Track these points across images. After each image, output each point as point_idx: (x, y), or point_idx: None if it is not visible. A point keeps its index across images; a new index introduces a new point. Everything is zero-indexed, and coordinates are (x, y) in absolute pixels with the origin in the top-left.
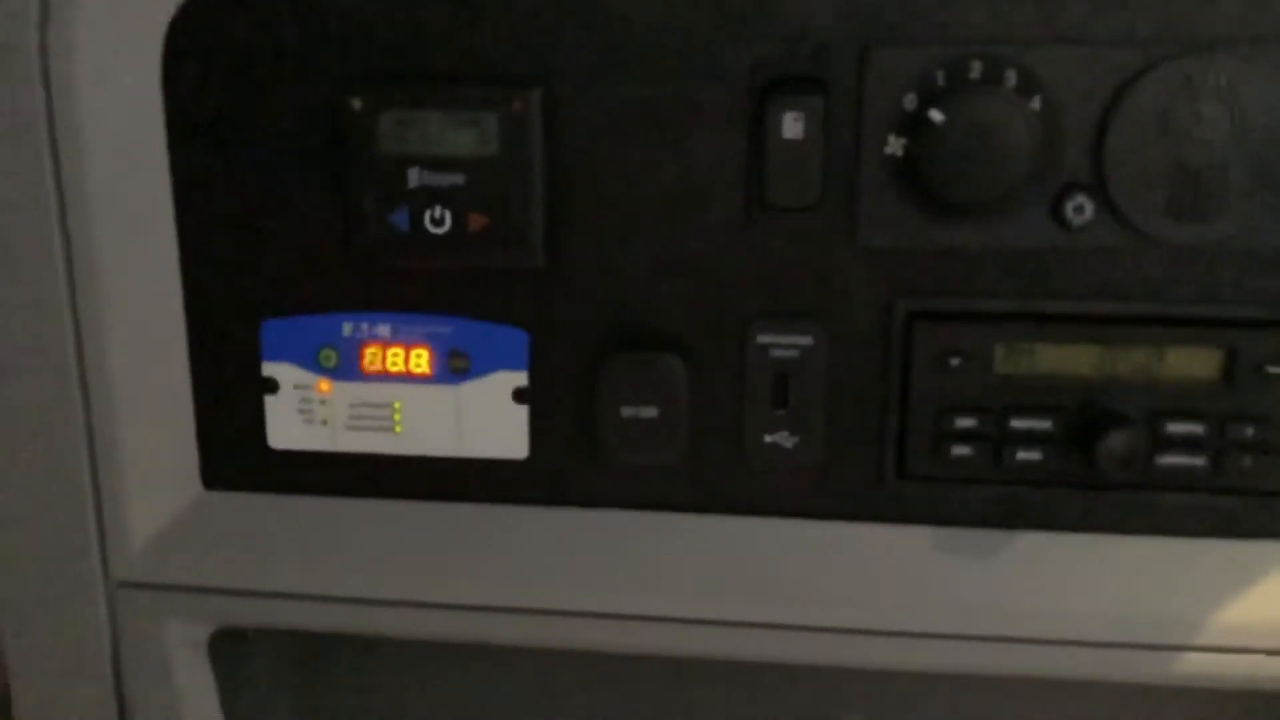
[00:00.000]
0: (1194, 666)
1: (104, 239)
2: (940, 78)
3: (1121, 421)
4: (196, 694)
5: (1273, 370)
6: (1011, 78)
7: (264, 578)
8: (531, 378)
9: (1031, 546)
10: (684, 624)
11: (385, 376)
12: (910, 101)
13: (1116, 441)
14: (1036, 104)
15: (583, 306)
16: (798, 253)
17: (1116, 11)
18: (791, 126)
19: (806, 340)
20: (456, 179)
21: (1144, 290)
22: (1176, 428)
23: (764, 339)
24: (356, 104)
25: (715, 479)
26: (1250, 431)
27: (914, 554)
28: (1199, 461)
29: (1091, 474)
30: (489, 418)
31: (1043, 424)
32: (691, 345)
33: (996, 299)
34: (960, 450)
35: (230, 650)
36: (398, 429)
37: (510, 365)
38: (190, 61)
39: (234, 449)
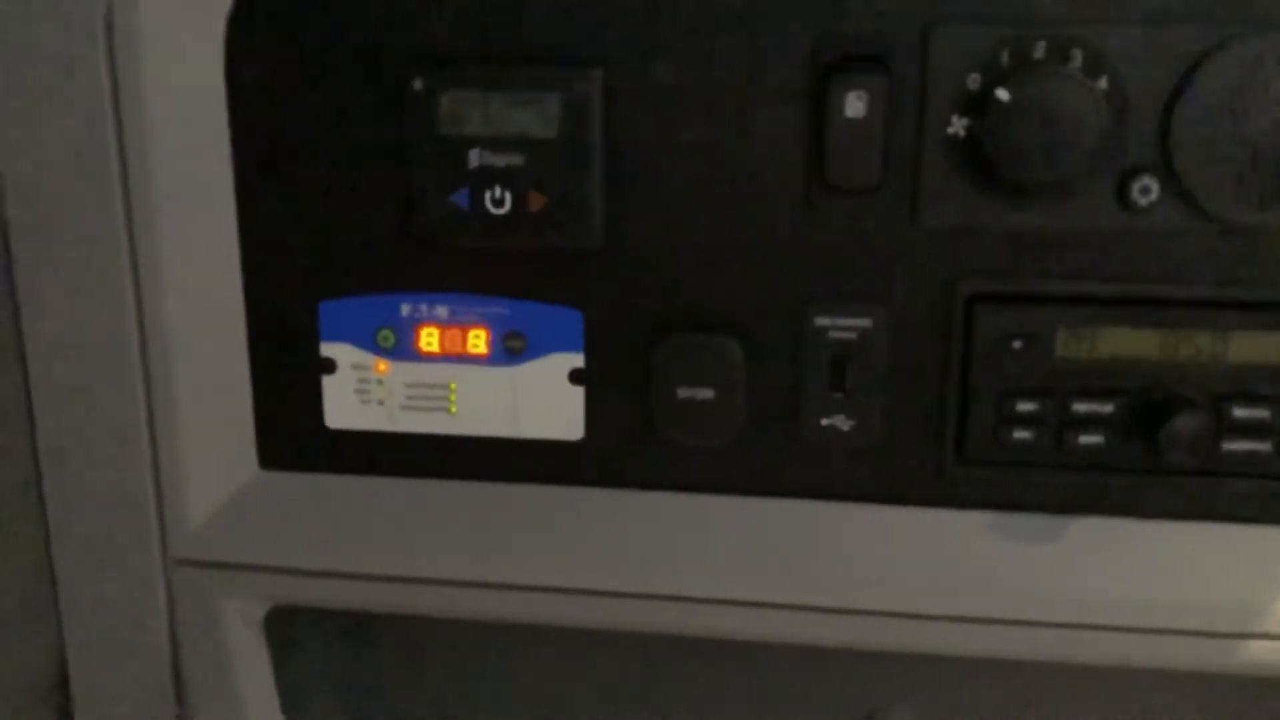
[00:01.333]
0: (1257, 654)
1: (166, 220)
2: (1005, 58)
3: (1186, 405)
4: (252, 671)
5: None
6: (1078, 57)
7: (320, 557)
8: (588, 359)
9: (1093, 532)
10: (737, 606)
11: (442, 357)
12: (974, 81)
13: (1181, 425)
14: (1103, 84)
15: (640, 287)
16: (857, 234)
17: None
18: (854, 106)
19: (865, 322)
20: (517, 159)
21: (1210, 273)
22: (1242, 412)
23: (822, 321)
24: (418, 85)
25: (771, 461)
26: None
27: (972, 539)
28: (1265, 447)
29: (1154, 459)
30: (544, 399)
31: (1105, 408)
32: (749, 327)
33: (1059, 281)
34: (1021, 434)
35: (283, 628)
36: (453, 410)
37: (566, 347)
38: (253, 43)
39: (291, 429)
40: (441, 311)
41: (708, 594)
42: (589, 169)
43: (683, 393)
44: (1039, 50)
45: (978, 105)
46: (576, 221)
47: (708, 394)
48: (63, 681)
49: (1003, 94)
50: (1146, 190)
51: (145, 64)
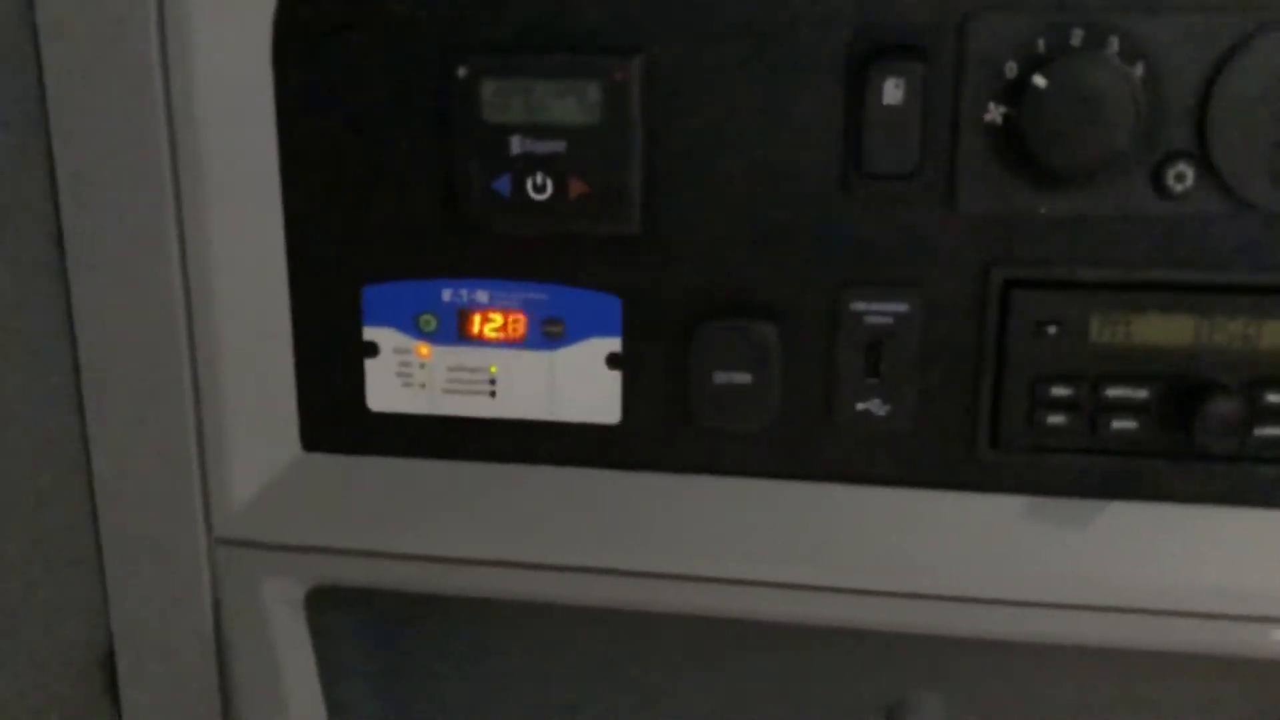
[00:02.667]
0: None
1: (214, 204)
2: (1041, 45)
3: (1220, 391)
4: (293, 649)
5: None
6: (1114, 44)
7: (360, 537)
8: (625, 344)
9: (1127, 516)
10: (772, 588)
11: (482, 341)
12: (1011, 69)
13: (1216, 410)
14: (1139, 71)
15: (677, 273)
16: (894, 220)
17: None
18: (892, 93)
19: (901, 308)
20: (558, 146)
21: (1245, 259)
22: (1276, 397)
23: (858, 306)
24: (461, 72)
25: (807, 446)
26: None
27: (1007, 523)
28: None
29: (1188, 444)
30: (582, 383)
31: (1139, 393)
32: (785, 312)
33: (1094, 267)
34: (1055, 419)
35: (324, 608)
36: (494, 393)
37: (604, 331)
38: (299, 30)
39: (333, 411)
40: (482, 296)
41: (742, 576)
42: (629, 156)
43: (719, 378)
44: (1076, 37)
45: (1015, 92)
46: (616, 208)
47: (744, 379)
48: (110, 657)
49: (1040, 80)
50: (1182, 177)
51: (195, 53)
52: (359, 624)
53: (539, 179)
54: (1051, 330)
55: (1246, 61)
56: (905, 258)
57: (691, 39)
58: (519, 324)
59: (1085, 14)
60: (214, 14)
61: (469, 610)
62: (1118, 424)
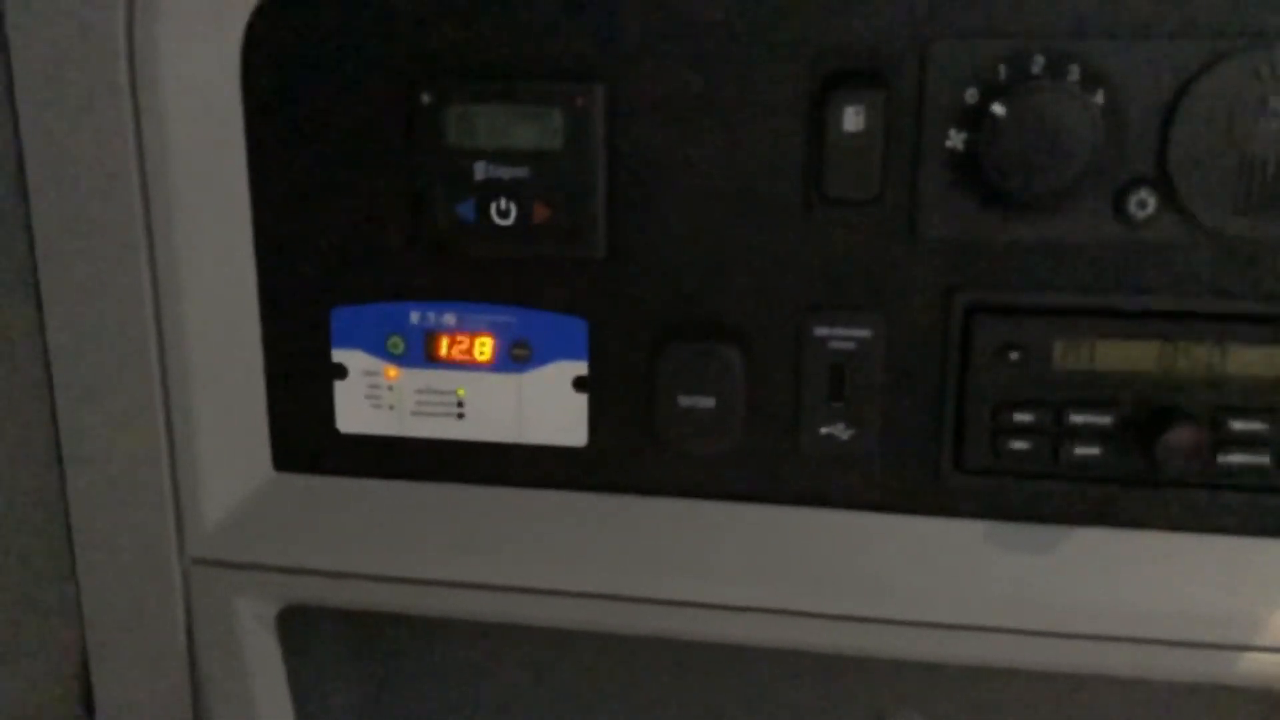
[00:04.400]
0: (1254, 666)
1: (183, 227)
2: (1002, 72)
3: (1184, 418)
4: (265, 669)
5: None
6: (1075, 72)
7: (331, 558)
8: (591, 367)
9: (1090, 543)
10: (738, 612)
11: (450, 364)
12: (971, 95)
13: (1178, 437)
14: (1100, 98)
15: (643, 296)
16: (856, 245)
17: (1181, 4)
18: (852, 119)
19: (864, 332)
20: (521, 172)
21: (1208, 286)
22: (1240, 425)
23: (821, 330)
24: (426, 98)
25: (771, 469)
26: None
27: (970, 548)
28: (1262, 459)
29: (1152, 471)
30: (549, 405)
31: (1102, 419)
32: (749, 336)
33: (1057, 293)
34: (1018, 445)
35: (298, 628)
36: (461, 415)
37: (571, 354)
38: (268, 54)
39: (304, 432)
40: (450, 319)
41: (708, 599)
42: (592, 181)
43: (684, 401)
44: (1037, 65)
45: (975, 119)
46: (580, 232)
47: (709, 402)
48: (85, 676)
49: (998, 108)
50: (1144, 204)
51: (164, 75)
52: (332, 643)
53: (503, 204)
54: (1014, 356)
55: (1207, 88)
56: (868, 283)
57: (654, 65)
58: (486, 347)
59: (1046, 41)
60: (182, 38)
61: (442, 629)
62: (1081, 450)
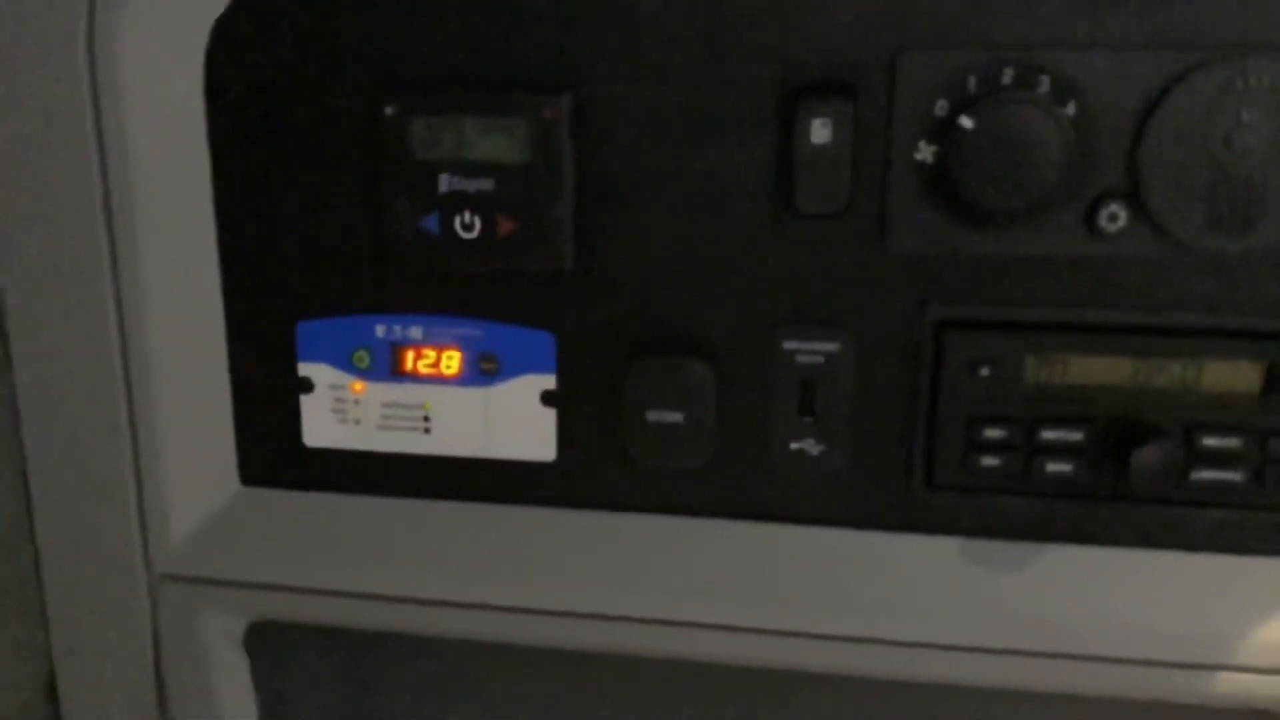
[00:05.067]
0: (1227, 686)
1: (148, 239)
2: (972, 84)
3: (1156, 434)
4: (232, 684)
5: None
6: (1045, 84)
7: (298, 573)
8: (560, 381)
9: (1062, 560)
10: (708, 629)
11: (417, 378)
12: (941, 108)
13: (1150, 454)
14: (1071, 110)
15: (611, 310)
16: (825, 259)
17: (1153, 16)
18: (819, 132)
19: (833, 347)
20: (486, 184)
21: (1181, 301)
22: (1213, 442)
23: (790, 345)
24: (390, 110)
25: (741, 484)
26: None
27: (941, 565)
28: (1237, 477)
29: (1124, 487)
30: (517, 420)
31: (1074, 436)
32: (718, 350)
33: (1028, 308)
34: (989, 461)
35: (270, 643)
36: (428, 430)
37: (539, 368)
38: (232, 65)
39: (271, 447)
40: (416, 333)
41: (678, 616)
42: (558, 193)
43: (652, 416)
44: (1007, 76)
45: (945, 131)
46: (546, 246)
47: (677, 417)
48: (52, 693)
49: (966, 121)
50: (1115, 217)
51: (127, 89)
52: (306, 659)
53: (468, 217)
54: (985, 371)
55: (1178, 101)
56: (838, 296)
57: (622, 76)
58: (453, 360)
59: (1017, 52)
60: (145, 49)
61: (418, 645)
62: (1052, 466)
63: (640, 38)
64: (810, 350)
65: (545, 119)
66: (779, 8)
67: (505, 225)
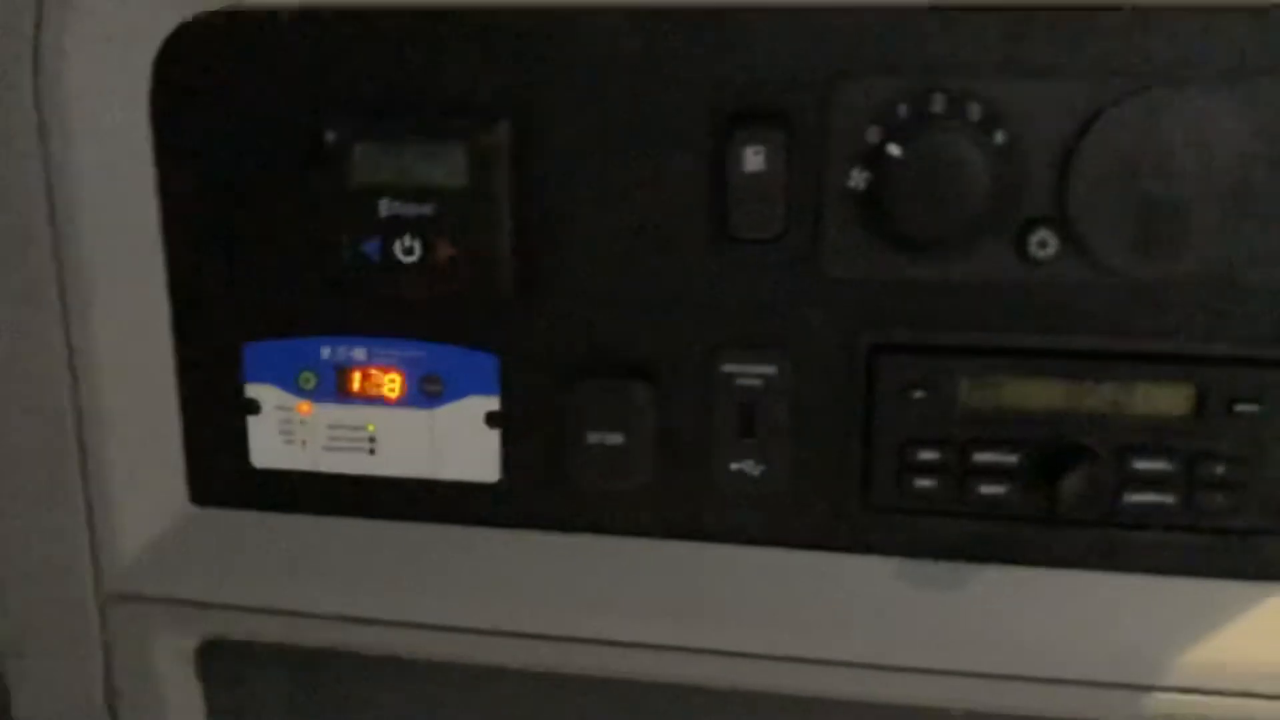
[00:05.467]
0: (1158, 706)
1: (95, 262)
2: (903, 111)
3: (1086, 458)
4: (183, 704)
5: (1243, 408)
6: (975, 111)
7: (248, 592)
8: (503, 402)
9: (997, 581)
10: (650, 649)
11: (362, 399)
12: (873, 135)
13: (1078, 479)
14: (1000, 138)
15: (553, 333)
16: (761, 283)
17: (1081, 45)
18: (753, 160)
19: (771, 370)
20: (426, 209)
21: (1111, 325)
22: (1144, 464)
23: (729, 368)
24: (330, 135)
25: (683, 506)
26: (1220, 469)
27: (878, 585)
28: (1167, 499)
29: (1057, 510)
30: (461, 441)
31: (1007, 458)
32: (658, 372)
33: (961, 332)
34: (924, 483)
35: (222, 663)
36: (373, 451)
37: (482, 390)
38: (177, 89)
39: (220, 467)
40: (360, 354)
41: (620, 637)
42: (498, 219)
43: (593, 437)
44: (937, 103)
45: (876, 158)
46: (486, 270)
47: (618, 439)
48: (4, 714)
49: (894, 149)
50: (1044, 243)
51: (73, 111)
52: (253, 677)
53: (407, 241)
54: (919, 394)
55: (1106, 129)
56: (775, 321)
57: (561, 102)
58: (397, 382)
59: (946, 80)
60: (92, 75)
61: (364, 663)
62: (986, 488)
63: (579, 65)
64: (749, 373)
65: (484, 145)
66: (714, 36)
67: (445, 250)
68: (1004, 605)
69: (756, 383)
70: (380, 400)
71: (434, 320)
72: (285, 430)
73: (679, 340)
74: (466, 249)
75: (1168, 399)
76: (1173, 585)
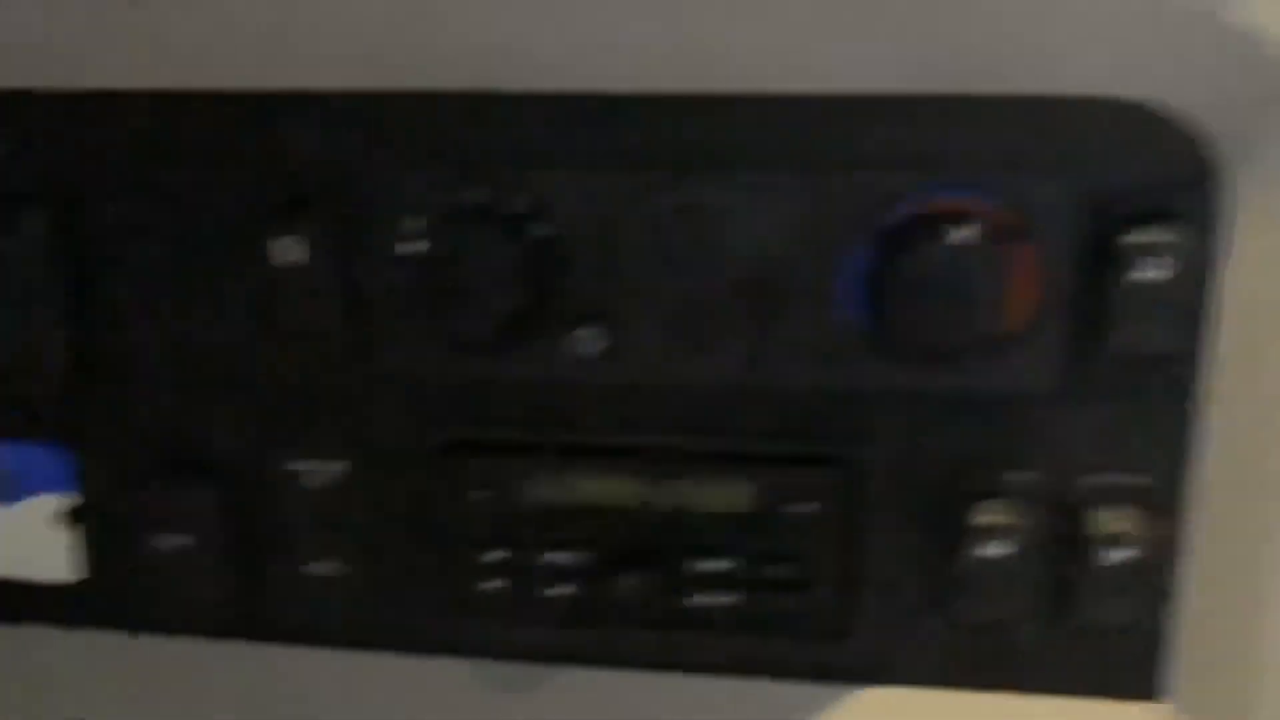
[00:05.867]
0: None
1: None
2: (437, 202)
3: (645, 559)
4: None
5: (800, 508)
6: (516, 204)
7: None
8: (79, 499)
9: (568, 684)
10: None
11: None
12: (409, 227)
13: (638, 580)
14: (541, 230)
15: (123, 430)
16: (319, 378)
17: (618, 137)
18: (293, 250)
19: (340, 467)
20: None
21: (663, 424)
22: (708, 565)
23: (297, 465)
24: None
25: (263, 607)
26: (781, 570)
27: (456, 690)
28: (729, 600)
29: (621, 611)
30: (35, 539)
31: (573, 559)
32: (227, 470)
33: (524, 429)
34: (492, 584)
35: None
36: None
37: (57, 487)
38: None
39: None
40: None
41: None
42: (46, 311)
43: (160, 540)
44: (473, 195)
45: (412, 255)
46: (33, 370)
47: (186, 540)
48: None
49: (421, 245)
50: (591, 341)
51: None
52: None
53: None
54: (483, 494)
55: (643, 222)
56: (338, 417)
57: (102, 188)
58: None
59: (486, 171)
60: None
61: None
62: (554, 590)
63: (115, 149)
64: (318, 470)
65: (23, 231)
66: (255, 123)
67: None
68: (572, 709)
69: (327, 481)
70: None
71: (6, 415)
72: None
73: (245, 437)
74: (16, 345)
75: (729, 498)
76: (740, 687)
